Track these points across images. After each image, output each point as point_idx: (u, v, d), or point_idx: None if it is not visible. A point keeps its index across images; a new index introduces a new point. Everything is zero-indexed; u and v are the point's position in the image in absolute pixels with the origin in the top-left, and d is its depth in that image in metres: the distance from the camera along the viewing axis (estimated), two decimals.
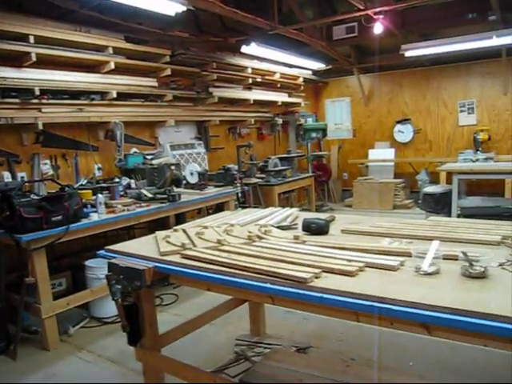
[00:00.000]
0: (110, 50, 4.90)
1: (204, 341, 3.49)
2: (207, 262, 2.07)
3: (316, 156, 8.93)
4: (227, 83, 6.93)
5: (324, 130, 8.56)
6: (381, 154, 9.19)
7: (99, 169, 5.10)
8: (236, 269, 1.93)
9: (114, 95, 4.95)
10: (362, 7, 5.85)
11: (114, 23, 4.98)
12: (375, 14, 6.00)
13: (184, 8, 4.61)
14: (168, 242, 2.48)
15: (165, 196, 4.37)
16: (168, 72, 5.67)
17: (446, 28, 7.23)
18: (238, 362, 3.18)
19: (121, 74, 5.18)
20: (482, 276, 1.68)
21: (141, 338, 2.51)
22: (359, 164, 9.48)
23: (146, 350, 2.57)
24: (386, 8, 5.94)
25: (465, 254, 1.73)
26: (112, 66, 4.93)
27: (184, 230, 2.72)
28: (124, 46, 5.06)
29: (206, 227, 2.73)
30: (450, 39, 6.90)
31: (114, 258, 2.46)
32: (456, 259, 1.81)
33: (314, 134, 8.36)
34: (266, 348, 3.32)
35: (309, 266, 1.83)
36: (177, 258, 2.22)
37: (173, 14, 4.64)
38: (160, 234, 2.70)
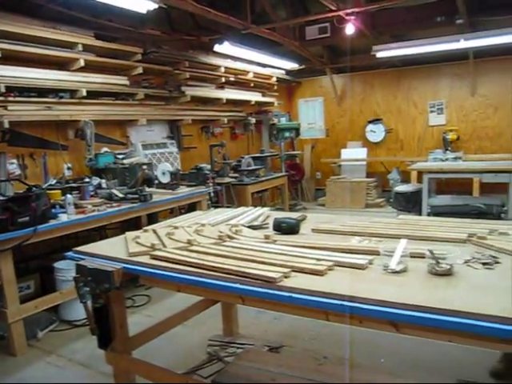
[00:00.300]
0: (80, 47, 4.81)
1: (176, 342, 3.46)
2: (176, 263, 2.05)
3: (289, 155, 8.96)
4: (200, 82, 6.90)
5: (297, 130, 8.60)
6: (353, 154, 9.28)
7: (69, 168, 4.99)
8: (205, 269, 1.92)
9: (84, 93, 4.86)
10: (334, 8, 5.91)
11: (84, 20, 4.89)
12: (347, 14, 6.07)
13: (156, 5, 4.57)
14: (137, 242, 2.45)
15: (136, 196, 4.32)
16: (140, 70, 5.60)
17: (415, 30, 7.36)
18: (210, 363, 3.16)
19: (91, 72, 5.08)
20: (447, 273, 1.71)
21: (111, 340, 2.47)
22: (332, 163, 9.55)
23: (116, 352, 2.53)
24: (357, 9, 6.02)
25: (431, 252, 1.75)
26: (82, 63, 4.84)
27: (154, 231, 2.69)
28: (94, 43, 4.97)
29: (176, 227, 2.71)
30: (419, 41, 7.04)
31: (83, 259, 2.41)
32: (423, 257, 1.83)
33: (287, 134, 8.39)
34: (238, 348, 3.31)
35: (278, 265, 1.83)
36: (146, 259, 2.19)
37: (144, 11, 4.59)
38: (130, 234, 2.66)
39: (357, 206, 8.47)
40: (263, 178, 6.87)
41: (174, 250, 2.21)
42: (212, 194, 5.29)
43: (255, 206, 3.46)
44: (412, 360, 3.04)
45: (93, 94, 5.05)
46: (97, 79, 5.11)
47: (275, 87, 8.94)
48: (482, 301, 1.46)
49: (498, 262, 1.84)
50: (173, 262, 2.07)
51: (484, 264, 1.82)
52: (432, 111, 8.76)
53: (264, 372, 2.72)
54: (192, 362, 3.14)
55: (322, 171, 9.89)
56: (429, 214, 6.09)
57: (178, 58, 6.24)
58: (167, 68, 6.15)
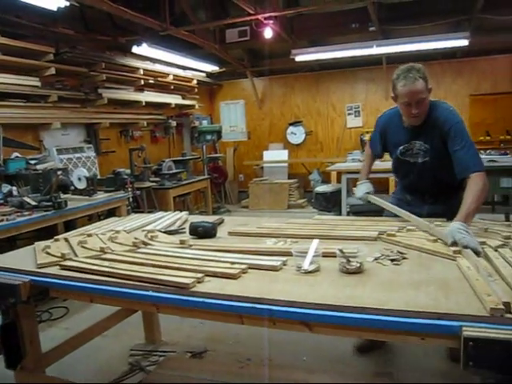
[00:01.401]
0: None
1: (96, 354, 3.31)
2: (88, 272, 1.96)
3: (211, 158, 8.94)
4: (118, 84, 6.70)
5: (219, 132, 8.60)
6: (275, 156, 9.44)
7: None
8: (117, 277, 1.85)
9: None
10: (252, 12, 5.97)
11: None
12: (265, 19, 6.16)
13: (67, 3, 4.38)
14: (47, 252, 2.32)
15: (50, 203, 4.11)
16: (52, 71, 5.33)
17: (332, 36, 7.62)
18: (133, 373, 3.07)
19: None
20: (358, 271, 1.77)
21: (21, 359, 2.32)
22: (254, 165, 9.67)
23: (27, 371, 2.38)
24: (274, 14, 6.13)
25: (341, 250, 1.80)
26: None
27: (66, 239, 2.57)
28: None
29: (90, 235, 2.60)
30: (335, 46, 7.31)
31: None
32: (335, 256, 1.87)
33: (208, 137, 8.36)
34: (161, 356, 3.24)
35: (192, 270, 1.80)
36: (56, 270, 2.08)
37: (55, 8, 4.38)
38: (39, 244, 2.52)
39: (280, 207, 8.60)
40: (185, 182, 6.82)
41: (85, 259, 2.11)
42: (131, 199, 5.16)
43: (179, 211, 3.41)
44: (332, 355, 3.13)
45: (0, 96, 4.75)
46: (4, 79, 4.81)
47: (196, 90, 8.88)
48: (389, 296, 1.51)
49: (405, 258, 1.93)
50: (84, 272, 1.98)
51: (392, 260, 1.90)
52: (349, 114, 9.11)
53: (185, 379, 2.68)
54: (113, 374, 3.03)
55: (245, 173, 9.97)
56: (348, 213, 6.31)
57: (93, 58, 6.02)
58: (82, 69, 5.91)
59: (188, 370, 2.80)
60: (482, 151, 7.27)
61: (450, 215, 2.31)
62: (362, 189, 2.95)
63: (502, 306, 1.32)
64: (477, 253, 1.83)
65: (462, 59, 8.24)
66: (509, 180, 5.49)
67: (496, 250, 1.88)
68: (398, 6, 6.78)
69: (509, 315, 1.31)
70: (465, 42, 6.80)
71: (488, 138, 8.19)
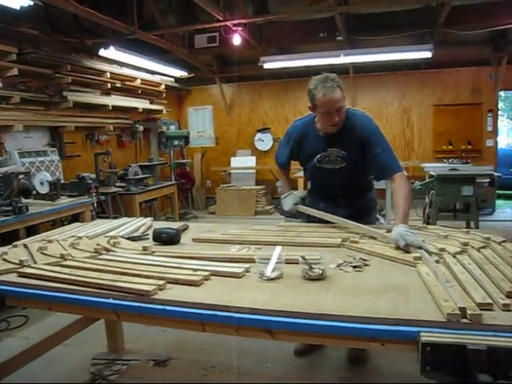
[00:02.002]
0: None
1: (57, 363, 3.22)
2: (47, 280, 1.91)
3: (179, 164, 8.88)
4: (84, 87, 6.59)
5: (186, 138, 8.56)
6: (242, 162, 9.47)
7: None
8: (78, 285, 1.81)
9: None
10: (221, 18, 5.97)
11: None
12: (234, 25, 6.18)
13: (31, 2, 4.29)
14: (5, 259, 2.24)
15: (10, 208, 4.00)
16: (15, 72, 5.20)
17: (301, 44, 7.72)
18: (94, 383, 3.00)
19: None
20: (320, 278, 1.77)
21: None
22: (222, 171, 9.66)
23: None
24: (244, 21, 6.16)
25: (303, 257, 1.81)
26: None
27: (25, 246, 2.49)
28: None
29: (50, 241, 2.53)
30: (303, 54, 7.42)
31: None
32: (298, 263, 1.87)
33: (176, 142, 8.32)
34: (124, 365, 3.18)
35: (153, 277, 1.78)
36: (12, 277, 2.00)
37: (17, 7, 4.28)
38: None
39: (247, 214, 8.61)
40: (152, 187, 6.74)
41: (44, 266, 2.05)
42: (96, 205, 5.07)
43: (145, 216, 3.37)
44: (297, 362, 3.14)
45: None
46: None
47: (164, 95, 8.84)
48: (350, 302, 1.52)
49: (367, 265, 1.95)
50: (43, 279, 1.92)
51: (354, 267, 1.92)
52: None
53: None
54: None
55: (213, 179, 9.95)
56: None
57: (59, 60, 5.91)
58: (47, 71, 5.79)
59: (150, 379, 2.77)
60: (444, 160, 7.50)
61: (360, 215, 2.59)
62: (289, 201, 2.98)
63: (458, 312, 1.35)
64: (420, 248, 1.97)
65: (427, 70, 8.46)
66: (470, 188, 5.64)
67: (454, 257, 1.92)
68: (365, 16, 6.94)
69: (464, 320, 1.34)
70: (428, 54, 7.01)
71: (450, 147, 8.46)
